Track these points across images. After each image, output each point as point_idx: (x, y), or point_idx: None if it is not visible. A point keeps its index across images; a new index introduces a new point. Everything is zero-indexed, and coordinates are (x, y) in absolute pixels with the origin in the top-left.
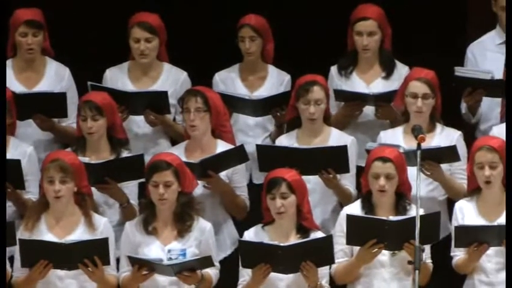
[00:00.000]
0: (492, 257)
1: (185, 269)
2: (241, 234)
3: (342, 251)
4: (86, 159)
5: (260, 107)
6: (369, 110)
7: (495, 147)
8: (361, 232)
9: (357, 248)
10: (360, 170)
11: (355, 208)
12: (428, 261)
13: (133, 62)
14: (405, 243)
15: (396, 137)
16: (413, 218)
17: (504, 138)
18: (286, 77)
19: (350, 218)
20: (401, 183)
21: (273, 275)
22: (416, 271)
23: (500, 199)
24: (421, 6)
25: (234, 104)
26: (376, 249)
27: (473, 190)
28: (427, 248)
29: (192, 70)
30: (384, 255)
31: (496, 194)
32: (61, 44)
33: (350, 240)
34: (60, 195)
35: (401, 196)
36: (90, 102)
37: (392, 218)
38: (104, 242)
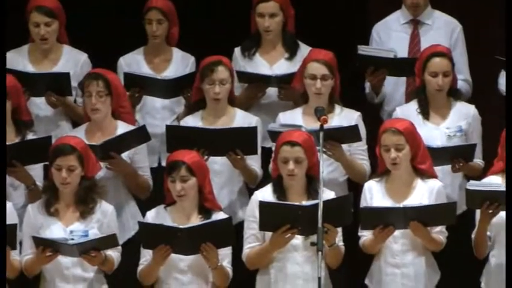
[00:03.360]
0: (399, 239)
1: (90, 249)
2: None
3: (254, 236)
4: None
5: (171, 88)
6: (272, 91)
7: (400, 130)
8: (275, 218)
9: (269, 233)
10: (263, 151)
11: (266, 192)
12: (341, 244)
13: (33, 45)
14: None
15: (295, 118)
16: (326, 202)
17: (407, 118)
18: (191, 59)
19: (263, 205)
20: (311, 165)
21: (174, 255)
22: (320, 252)
23: (408, 181)
24: None
25: (143, 84)
26: (289, 235)
27: (383, 172)
28: (339, 230)
29: (94, 52)
30: (297, 239)
31: (403, 176)
32: None
33: (263, 226)
34: None
35: (312, 179)
36: None
37: (305, 202)
38: (13, 227)
